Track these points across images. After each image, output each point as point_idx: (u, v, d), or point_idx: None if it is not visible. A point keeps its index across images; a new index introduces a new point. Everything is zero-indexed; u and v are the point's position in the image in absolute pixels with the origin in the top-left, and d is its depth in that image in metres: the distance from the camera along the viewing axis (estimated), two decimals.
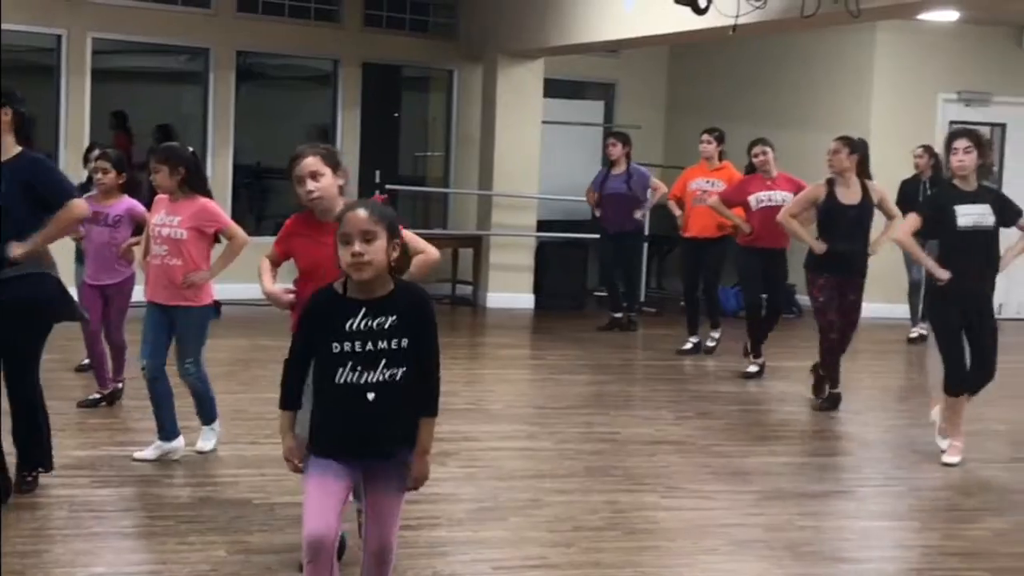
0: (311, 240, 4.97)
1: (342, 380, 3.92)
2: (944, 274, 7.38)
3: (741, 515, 6.33)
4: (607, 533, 5.88)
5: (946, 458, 7.50)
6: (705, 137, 11.22)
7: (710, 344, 11.26)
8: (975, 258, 7.36)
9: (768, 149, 9.99)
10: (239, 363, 9.67)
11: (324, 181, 4.92)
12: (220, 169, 13.22)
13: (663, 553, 5.70)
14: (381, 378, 3.91)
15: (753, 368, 10.11)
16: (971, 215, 7.33)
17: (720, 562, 5.57)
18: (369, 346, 3.92)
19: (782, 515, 6.34)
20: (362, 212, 3.94)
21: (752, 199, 9.97)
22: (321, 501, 3.94)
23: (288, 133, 14.65)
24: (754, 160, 10.05)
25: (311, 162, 4.92)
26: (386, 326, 3.92)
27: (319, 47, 14.18)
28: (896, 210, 8.97)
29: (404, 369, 3.92)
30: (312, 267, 4.94)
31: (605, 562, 5.45)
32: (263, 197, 15.37)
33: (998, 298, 12.96)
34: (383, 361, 3.91)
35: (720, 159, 11.18)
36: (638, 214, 12.12)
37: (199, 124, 13.62)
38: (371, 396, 3.92)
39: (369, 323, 3.93)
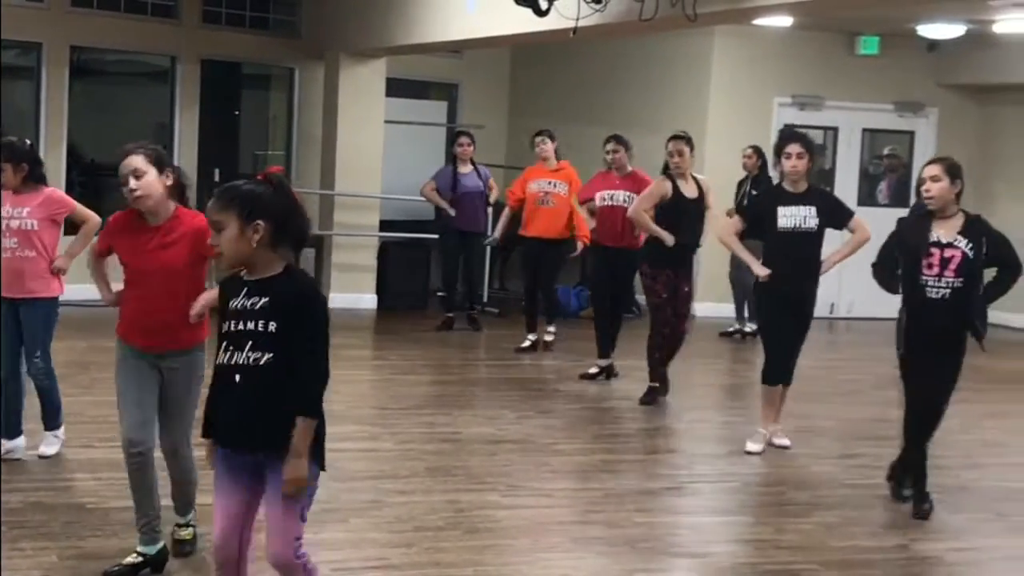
0: (135, 245, 4.95)
1: (219, 360, 3.89)
2: (762, 271, 7.61)
3: (581, 512, 6.41)
4: (448, 533, 5.90)
5: (749, 446, 7.80)
6: (539, 139, 11.32)
7: (548, 339, 11.42)
8: (794, 258, 7.55)
9: (620, 147, 10.05)
10: (76, 365, 9.44)
11: (147, 179, 4.88)
12: (53, 166, 12.84)
13: (503, 551, 5.73)
14: (245, 360, 3.82)
15: (593, 369, 10.19)
16: (792, 217, 7.54)
17: (560, 559, 5.63)
18: (240, 326, 3.84)
19: (620, 512, 6.44)
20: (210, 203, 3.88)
21: (597, 196, 10.06)
22: (219, 509, 3.92)
23: (124, 130, 14.33)
24: (606, 157, 10.10)
25: (133, 160, 4.90)
26: (256, 307, 3.83)
27: (156, 43, 13.92)
28: (712, 203, 9.21)
29: (271, 356, 3.80)
30: (136, 276, 4.97)
31: (445, 562, 5.46)
32: (98, 195, 15.01)
33: (830, 297, 13.34)
34: (248, 343, 3.81)
35: (557, 158, 11.30)
36: (490, 210, 12.23)
37: (31, 120, 13.26)
38: (237, 378, 3.84)
39: (244, 303, 3.85)
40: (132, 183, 4.88)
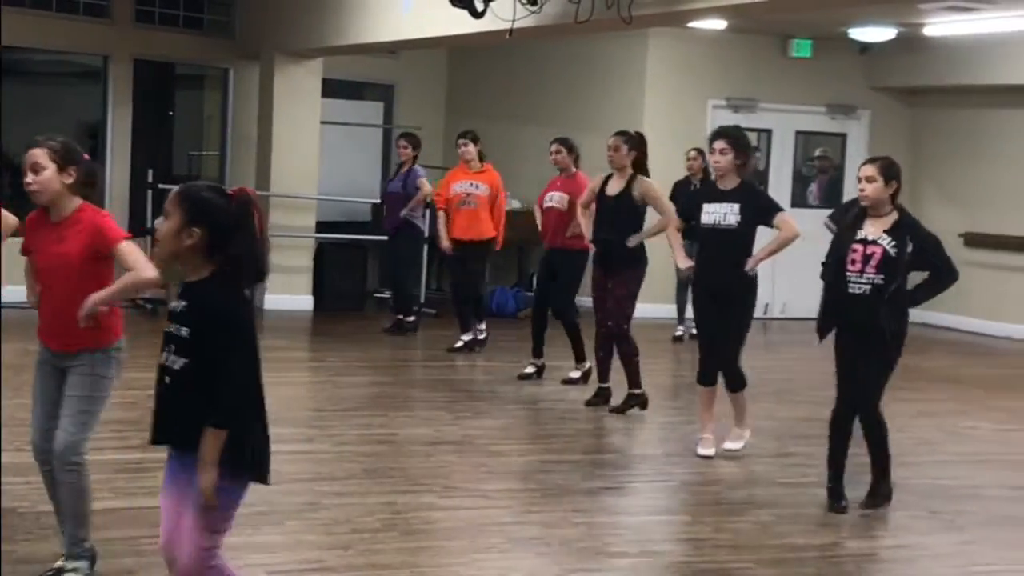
0: (41, 241, 4.91)
1: (159, 360, 3.92)
2: (683, 263, 7.80)
3: (518, 513, 6.41)
4: (384, 534, 5.88)
5: (699, 450, 7.78)
6: (461, 141, 11.34)
7: (479, 338, 11.44)
8: (716, 255, 7.60)
9: (562, 148, 10.09)
10: (7, 368, 9.31)
11: (44, 175, 4.81)
12: None
13: (439, 553, 5.73)
14: (168, 363, 3.86)
15: (529, 369, 10.20)
16: (714, 213, 7.57)
17: (497, 560, 5.63)
18: (169, 327, 3.88)
19: (557, 512, 6.44)
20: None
21: (544, 199, 10.17)
22: (162, 507, 3.94)
23: (56, 131, 14.12)
24: (550, 159, 10.19)
25: (34, 154, 4.84)
26: (178, 310, 3.86)
27: (88, 43, 13.77)
28: (666, 206, 8.86)
29: (187, 361, 3.80)
30: (42, 274, 4.92)
31: (382, 563, 5.44)
32: (28, 197, 14.82)
33: (764, 297, 13.43)
34: (173, 346, 3.85)
35: (481, 160, 11.29)
36: (403, 212, 12.17)
37: None
38: (167, 379, 3.87)
39: (175, 305, 3.89)
40: (29, 177, 4.82)
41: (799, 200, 14.82)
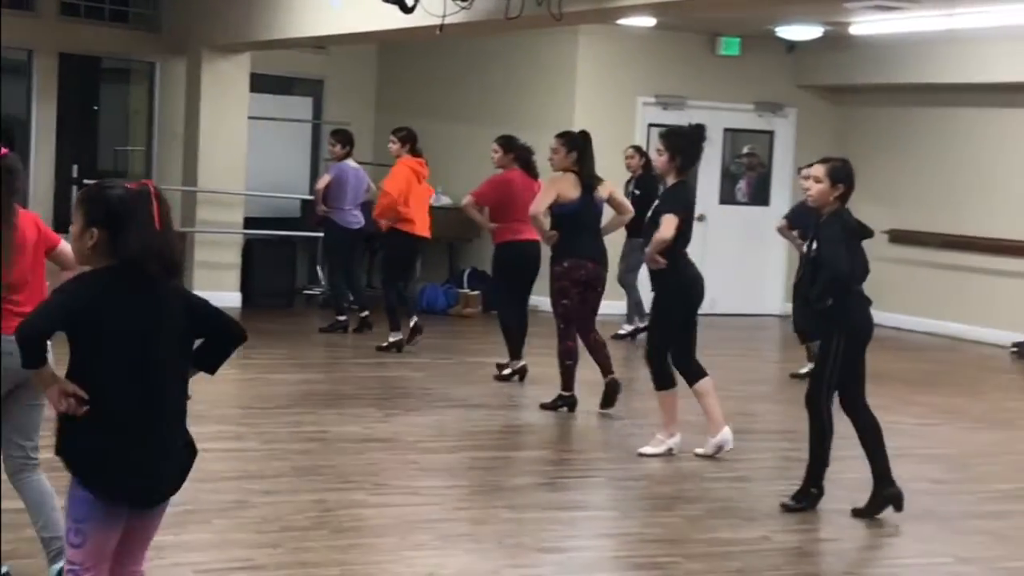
0: None
1: None
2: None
3: (448, 510, 6.41)
4: (314, 532, 5.86)
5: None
6: (391, 137, 11.32)
7: (383, 344, 11.19)
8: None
9: (499, 149, 10.13)
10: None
11: None
12: None
13: (369, 550, 5.72)
14: None
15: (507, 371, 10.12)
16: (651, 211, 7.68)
17: (427, 557, 5.62)
18: None
19: (488, 508, 6.46)
20: None
21: None
22: None
23: None
24: None
25: None
26: None
27: (12, 36, 13.53)
28: (534, 201, 8.95)
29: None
30: None
31: (312, 561, 5.42)
32: None
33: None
34: None
35: (415, 156, 11.18)
36: (318, 210, 12.19)
37: None
38: None
39: None
40: None
41: (728, 197, 14.94)
